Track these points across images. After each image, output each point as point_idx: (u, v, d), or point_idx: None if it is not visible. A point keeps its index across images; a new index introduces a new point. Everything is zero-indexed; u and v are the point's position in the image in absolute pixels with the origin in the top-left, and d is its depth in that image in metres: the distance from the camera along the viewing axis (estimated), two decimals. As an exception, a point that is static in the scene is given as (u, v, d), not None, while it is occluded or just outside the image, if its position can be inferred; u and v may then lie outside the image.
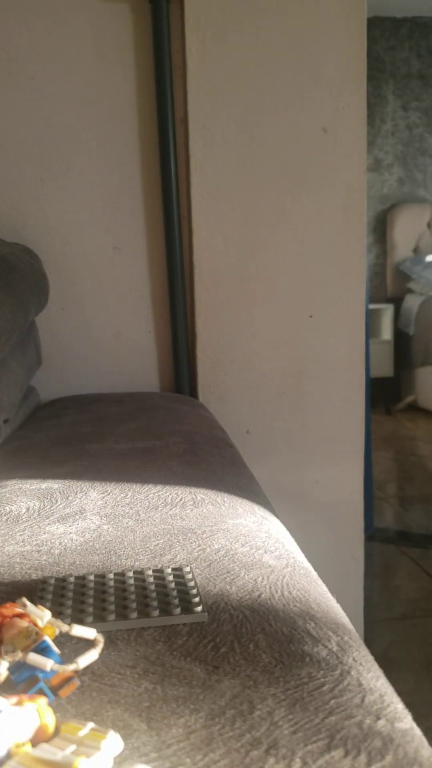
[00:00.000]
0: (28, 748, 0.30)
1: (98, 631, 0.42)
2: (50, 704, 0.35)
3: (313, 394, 1.39)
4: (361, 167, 1.34)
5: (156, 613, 0.43)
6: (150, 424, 1.00)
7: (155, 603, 0.44)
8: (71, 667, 0.35)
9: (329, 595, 0.50)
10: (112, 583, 0.48)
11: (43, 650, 0.36)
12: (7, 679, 0.36)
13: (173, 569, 0.50)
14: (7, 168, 1.29)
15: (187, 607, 0.44)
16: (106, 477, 0.75)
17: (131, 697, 0.36)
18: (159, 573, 0.49)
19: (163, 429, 0.98)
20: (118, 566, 0.52)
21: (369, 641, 1.56)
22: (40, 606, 0.40)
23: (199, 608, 0.44)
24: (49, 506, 0.66)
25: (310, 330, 1.37)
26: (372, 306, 4.03)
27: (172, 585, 0.47)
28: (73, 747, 0.30)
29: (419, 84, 4.28)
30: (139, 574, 0.49)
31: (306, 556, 1.46)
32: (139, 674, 0.38)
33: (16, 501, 0.68)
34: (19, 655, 0.35)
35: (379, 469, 2.88)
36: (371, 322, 4.09)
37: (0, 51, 1.26)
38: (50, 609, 0.44)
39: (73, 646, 0.41)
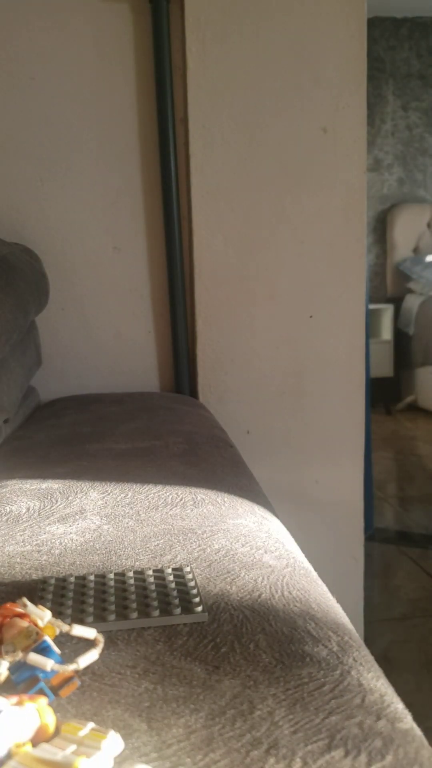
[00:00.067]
0: (29, 748, 0.30)
1: (98, 631, 0.42)
2: (50, 704, 0.35)
3: (313, 394, 1.39)
4: (361, 167, 1.34)
5: (156, 613, 0.43)
6: (150, 424, 1.00)
7: (155, 603, 0.44)
8: (71, 667, 0.35)
9: (329, 595, 0.50)
10: (112, 583, 0.48)
11: (44, 650, 0.36)
12: (8, 679, 0.36)
13: (173, 569, 0.50)
14: (7, 168, 1.29)
15: (187, 607, 0.44)
16: (106, 477, 0.75)
17: (131, 697, 0.36)
18: (159, 573, 0.49)
19: (163, 429, 0.98)
20: (118, 566, 0.52)
21: (369, 641, 1.56)
22: (40, 606, 0.40)
23: (200, 608, 0.44)
24: (49, 506, 0.66)
25: (310, 330, 1.37)
26: (372, 306, 4.03)
27: (173, 585, 0.47)
28: (73, 747, 0.30)
29: (419, 84, 4.28)
30: (140, 574, 0.49)
31: (306, 556, 1.46)
32: (139, 674, 0.38)
33: (16, 501, 0.68)
34: (20, 655, 0.35)
35: (379, 469, 2.88)
36: (371, 322, 4.09)
37: (0, 51, 1.26)
38: (50, 609, 0.44)
39: (73, 646, 0.41)
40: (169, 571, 0.49)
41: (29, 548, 0.56)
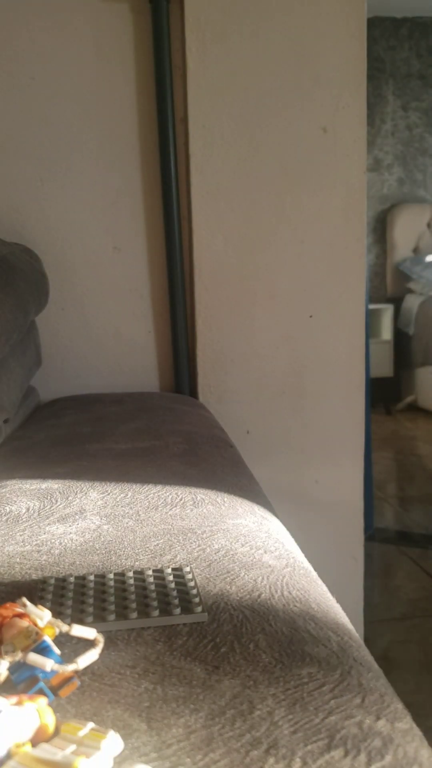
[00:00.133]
0: (28, 748, 0.30)
1: (98, 631, 0.42)
2: (50, 704, 0.35)
3: (313, 394, 1.39)
4: (361, 167, 1.34)
5: (156, 613, 0.43)
6: (150, 424, 1.00)
7: (155, 603, 0.44)
8: (71, 667, 0.35)
9: (329, 595, 0.50)
10: (112, 583, 0.48)
11: (43, 650, 0.36)
12: (7, 679, 0.36)
13: (173, 569, 0.50)
14: (7, 168, 1.29)
15: (187, 607, 0.44)
16: (106, 477, 0.75)
17: (131, 697, 0.36)
18: (159, 573, 0.49)
19: (163, 429, 0.98)
20: (118, 566, 0.52)
21: (369, 641, 1.56)
22: (40, 606, 0.40)
23: (199, 608, 0.44)
24: (49, 506, 0.66)
25: (310, 330, 1.37)
26: (372, 306, 4.03)
27: (172, 585, 0.47)
28: (73, 747, 0.30)
29: (419, 84, 4.28)
30: (139, 574, 0.49)
31: (306, 556, 1.46)
32: (139, 674, 0.38)
33: (16, 501, 0.68)
34: (19, 655, 0.35)
35: (379, 469, 2.88)
36: (371, 322, 4.09)
37: (0, 51, 1.26)
38: (50, 609, 0.44)
39: (73, 646, 0.41)
40: (169, 571, 0.49)
41: (29, 548, 0.56)
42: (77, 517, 0.63)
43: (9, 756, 0.29)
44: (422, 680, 1.39)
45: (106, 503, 0.66)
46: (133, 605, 0.44)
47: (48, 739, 0.31)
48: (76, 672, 0.38)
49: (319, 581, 0.52)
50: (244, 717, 0.34)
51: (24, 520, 0.62)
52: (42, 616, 0.39)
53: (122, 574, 0.49)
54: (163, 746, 0.32)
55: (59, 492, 0.70)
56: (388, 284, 4.32)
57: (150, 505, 0.66)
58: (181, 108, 1.31)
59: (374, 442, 3.34)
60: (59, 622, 0.38)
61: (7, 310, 0.91)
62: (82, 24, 1.27)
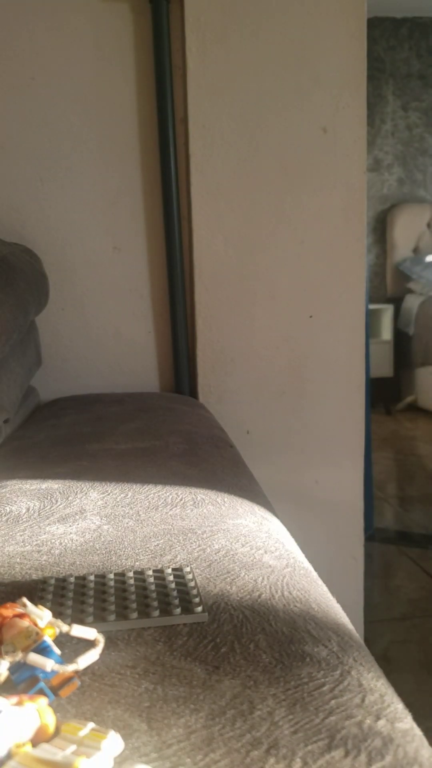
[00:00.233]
0: (29, 748, 0.30)
1: (98, 632, 0.42)
2: (50, 704, 0.35)
3: (313, 394, 1.39)
4: (361, 167, 1.34)
5: (156, 613, 0.43)
6: (150, 424, 1.00)
7: (155, 603, 0.44)
8: (71, 667, 0.35)
9: (329, 595, 0.50)
10: (112, 583, 0.48)
11: (44, 650, 0.36)
12: (8, 679, 0.36)
13: (173, 569, 0.50)
14: (7, 168, 1.29)
15: (187, 607, 0.44)
16: (106, 477, 0.75)
17: (131, 697, 0.36)
18: (159, 573, 0.49)
19: (163, 429, 0.98)
20: (118, 566, 0.52)
21: (369, 641, 1.56)
22: (40, 606, 0.40)
23: (200, 608, 0.44)
24: (49, 506, 0.66)
25: (310, 330, 1.37)
26: (372, 306, 4.03)
27: (173, 585, 0.47)
28: (73, 747, 0.30)
29: (419, 84, 4.28)
30: (140, 574, 0.49)
31: (306, 556, 1.46)
32: (139, 674, 0.38)
33: (16, 501, 0.68)
34: (20, 655, 0.35)
35: (379, 469, 2.88)
36: (371, 322, 4.09)
37: (0, 51, 1.26)
38: (50, 609, 0.44)
39: (73, 646, 0.41)
40: (169, 571, 0.49)
41: (29, 548, 0.56)
42: (77, 517, 0.63)
43: (9, 756, 0.29)
44: (422, 680, 1.39)
45: (106, 503, 0.66)
46: (134, 605, 0.44)
47: (48, 740, 0.31)
48: (77, 672, 0.38)
49: (320, 581, 0.52)
50: (244, 717, 0.34)
51: (24, 520, 0.62)
52: (42, 616, 0.39)
53: (122, 574, 0.49)
54: (163, 746, 0.32)
55: (59, 492, 0.70)
56: (388, 284, 4.32)
57: (150, 505, 0.66)
58: (181, 108, 1.31)
59: (374, 442, 3.34)
60: (59, 622, 0.38)
61: (7, 310, 0.91)
62: (82, 24, 1.27)
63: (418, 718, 0.39)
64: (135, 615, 0.43)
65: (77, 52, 1.28)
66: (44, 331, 1.34)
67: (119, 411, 1.11)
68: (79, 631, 0.37)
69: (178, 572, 0.49)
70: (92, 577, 0.49)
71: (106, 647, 0.41)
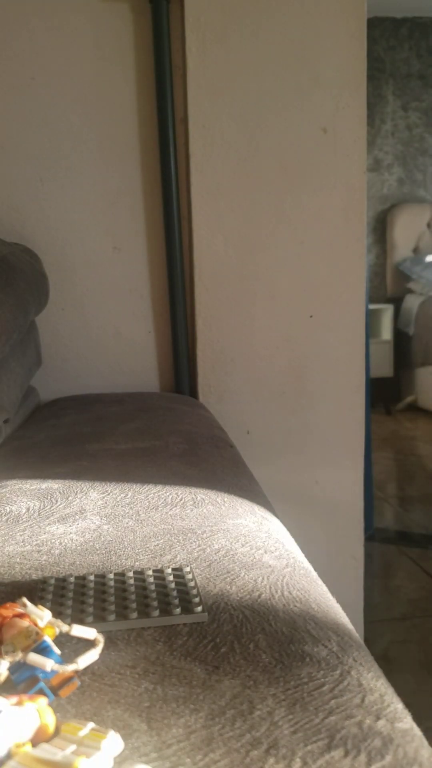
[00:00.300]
0: (29, 748, 0.30)
1: (98, 631, 0.42)
2: (50, 704, 0.35)
3: (313, 394, 1.39)
4: (361, 167, 1.34)
5: (156, 613, 0.43)
6: (150, 424, 1.00)
7: (155, 603, 0.44)
8: (71, 667, 0.35)
9: (329, 595, 0.50)
10: (112, 583, 0.48)
11: (44, 650, 0.36)
12: (8, 679, 0.36)
13: (173, 569, 0.50)
14: (7, 168, 1.29)
15: (187, 607, 0.44)
16: (106, 477, 0.75)
17: (131, 697, 0.36)
18: (159, 573, 0.49)
19: (163, 429, 0.98)
20: (118, 566, 0.52)
21: (369, 641, 1.56)
22: (40, 606, 0.40)
23: (199, 608, 0.44)
24: (49, 506, 0.66)
25: (310, 330, 1.37)
26: (372, 306, 4.03)
27: (172, 585, 0.47)
28: (73, 747, 0.30)
29: (419, 84, 4.28)
30: (139, 574, 0.49)
31: (306, 556, 1.46)
32: (139, 674, 0.38)
33: (16, 501, 0.68)
34: (20, 655, 0.35)
35: (379, 469, 2.88)
36: (371, 322, 4.09)
37: (0, 51, 1.26)
38: (50, 609, 0.44)
39: (73, 646, 0.41)
40: (169, 571, 0.49)
41: (29, 548, 0.56)
42: (77, 517, 0.63)
43: (9, 756, 0.29)
44: (422, 680, 1.39)
45: (106, 503, 0.66)
46: (133, 605, 0.44)
47: (48, 739, 0.31)
48: (77, 672, 0.38)
49: (319, 581, 0.52)
50: (244, 717, 0.34)
51: (24, 520, 0.62)
52: (42, 616, 0.39)
53: (122, 574, 0.49)
54: (163, 746, 0.32)
55: (59, 492, 0.70)
56: (388, 284, 4.32)
57: (150, 505, 0.66)
58: (181, 108, 1.31)
59: (374, 442, 3.34)
60: (59, 622, 0.38)
61: (7, 310, 0.91)
62: (82, 24, 1.27)
63: (418, 718, 0.39)
64: (135, 615, 0.43)
65: (77, 52, 1.28)
66: (44, 331, 1.34)
67: (119, 411, 1.11)
68: (79, 631, 0.37)
69: (178, 572, 0.49)
70: (92, 577, 0.49)
71: (106, 647, 0.41)
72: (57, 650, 0.37)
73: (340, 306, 1.37)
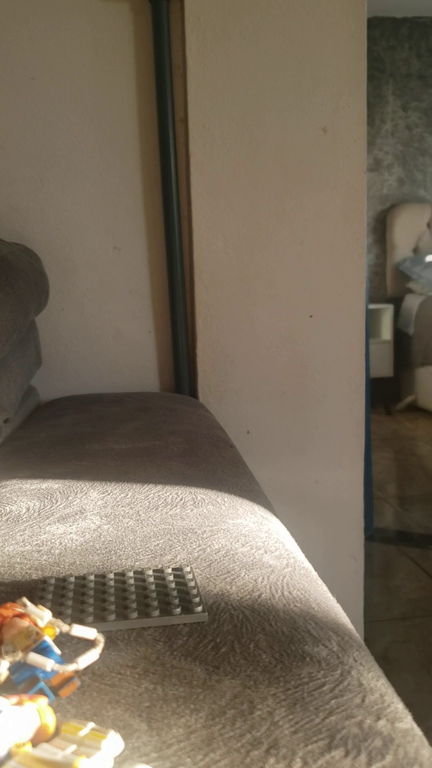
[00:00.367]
0: (29, 748, 0.30)
1: (98, 631, 0.42)
2: (51, 704, 0.35)
3: (313, 394, 1.39)
4: (361, 167, 1.34)
5: (156, 613, 0.43)
6: (150, 424, 1.00)
7: (155, 603, 0.44)
8: (71, 667, 0.35)
9: (329, 595, 0.50)
10: (112, 583, 0.48)
11: (44, 650, 0.36)
12: (8, 679, 0.36)
13: (173, 569, 0.50)
14: (7, 168, 1.29)
15: (187, 607, 0.44)
16: (106, 477, 0.75)
17: (131, 697, 0.36)
18: (159, 573, 0.49)
19: (163, 429, 0.98)
20: (118, 566, 0.52)
21: (369, 641, 1.56)
22: (40, 606, 0.40)
23: (200, 608, 0.44)
24: (49, 506, 0.66)
25: (310, 330, 1.37)
26: (372, 306, 4.03)
27: (173, 585, 0.47)
28: (73, 747, 0.30)
29: (419, 84, 4.28)
30: (140, 574, 0.49)
31: (306, 556, 1.46)
32: (139, 674, 0.38)
33: (16, 501, 0.68)
34: (20, 655, 0.35)
35: (379, 469, 2.88)
36: (371, 322, 4.09)
37: (0, 51, 1.26)
38: (50, 609, 0.44)
39: (73, 646, 0.41)
40: (169, 571, 0.49)
41: (29, 548, 0.56)
42: (77, 517, 0.63)
43: (9, 756, 0.29)
44: (422, 680, 1.39)
45: (106, 503, 0.66)
46: (134, 605, 0.44)
47: (48, 739, 0.31)
48: (77, 672, 0.38)
49: (320, 581, 0.52)
50: (244, 717, 0.34)
51: (24, 520, 0.62)
52: (42, 616, 0.39)
53: (122, 574, 0.49)
54: (163, 746, 0.32)
55: (59, 492, 0.70)
56: (388, 284, 4.32)
57: (150, 505, 0.66)
58: (181, 108, 1.31)
59: (374, 442, 3.34)
60: (59, 622, 0.38)
61: (7, 310, 0.91)
62: (82, 24, 1.27)
63: (418, 718, 0.39)
64: (135, 615, 0.43)
65: (77, 52, 1.28)
66: (44, 331, 1.34)
67: (119, 411, 1.11)
68: (79, 630, 0.37)
69: (178, 572, 0.49)
70: (92, 577, 0.49)
71: (106, 647, 0.41)
72: (57, 650, 0.37)
73: (340, 306, 1.37)
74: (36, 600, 0.46)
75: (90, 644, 0.41)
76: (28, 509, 0.65)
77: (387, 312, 4.07)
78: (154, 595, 0.46)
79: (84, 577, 0.49)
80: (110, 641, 0.41)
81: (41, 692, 0.34)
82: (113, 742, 0.30)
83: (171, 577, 0.48)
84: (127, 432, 0.96)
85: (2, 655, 0.36)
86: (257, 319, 1.35)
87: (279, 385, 1.38)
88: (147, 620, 0.43)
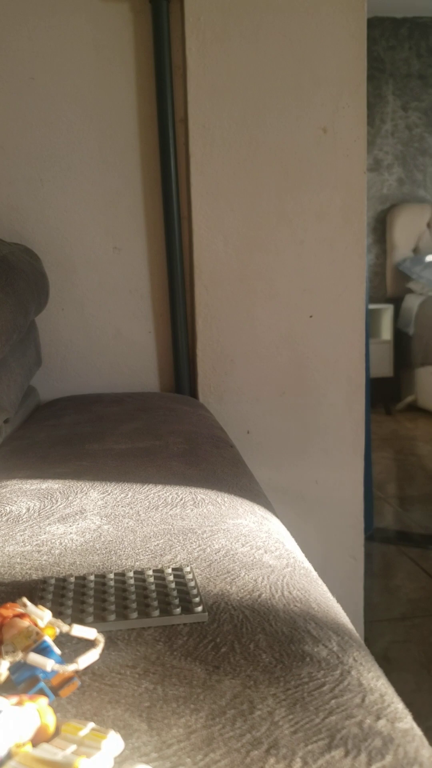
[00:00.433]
0: (29, 748, 0.30)
1: (99, 631, 0.42)
2: (51, 704, 0.35)
3: (313, 394, 1.39)
4: (361, 167, 1.34)
5: (156, 613, 0.43)
6: (150, 424, 1.00)
7: (155, 603, 0.44)
8: (72, 667, 0.35)
9: (329, 595, 0.50)
10: (112, 583, 0.48)
11: (44, 650, 0.36)
12: (8, 679, 0.36)
13: (173, 569, 0.50)
14: (7, 168, 1.29)
15: (187, 607, 0.44)
16: (106, 477, 0.75)
17: (132, 697, 0.36)
18: (159, 573, 0.49)
19: (163, 429, 0.98)
20: (118, 566, 0.52)
21: (369, 641, 1.56)
22: (40, 606, 0.40)
23: (200, 608, 0.44)
24: (49, 506, 0.66)
25: (310, 330, 1.37)
26: (372, 306, 4.03)
27: (173, 585, 0.47)
28: (73, 747, 0.30)
29: (419, 84, 4.28)
30: (140, 574, 0.49)
31: (306, 556, 1.46)
32: (139, 674, 0.38)
33: (16, 501, 0.68)
34: (20, 655, 0.35)
35: (379, 469, 2.88)
36: (371, 322, 4.09)
37: (0, 51, 1.26)
38: (50, 609, 0.44)
39: (73, 646, 0.41)
40: (169, 571, 0.49)
41: (29, 548, 0.56)
42: (77, 517, 0.63)
43: (9, 756, 0.29)
44: (422, 680, 1.39)
45: (106, 503, 0.66)
46: (134, 605, 0.44)
47: (48, 739, 0.31)
48: (77, 672, 0.38)
49: (320, 581, 0.52)
50: (244, 717, 0.34)
51: (24, 520, 0.62)
52: (42, 616, 0.39)
53: (122, 574, 0.49)
54: (163, 746, 0.32)
55: (59, 492, 0.70)
56: (388, 284, 4.32)
57: (150, 505, 0.66)
58: (181, 108, 1.31)
59: (374, 442, 3.34)
60: (60, 622, 0.38)
61: (7, 310, 0.91)
62: (82, 24, 1.27)
63: (418, 718, 0.39)
64: (135, 615, 0.43)
65: (77, 52, 1.28)
66: (44, 331, 1.34)
67: (119, 411, 1.11)
68: (79, 631, 0.37)
69: (178, 572, 0.49)
70: (92, 577, 0.49)
71: (106, 647, 0.41)
72: (57, 650, 0.37)
73: (340, 306, 1.37)
74: (36, 600, 0.46)
75: (90, 644, 0.41)
76: (28, 509, 0.65)
77: (387, 312, 4.07)
78: (154, 595, 0.46)
79: (84, 577, 0.49)
80: (110, 641, 0.41)
81: (41, 692, 0.34)
82: (113, 742, 0.30)
83: (171, 577, 0.48)
84: (127, 432, 0.96)
85: (2, 655, 0.36)
86: (257, 319, 1.35)
87: (279, 385, 1.38)
88: (147, 620, 0.43)
